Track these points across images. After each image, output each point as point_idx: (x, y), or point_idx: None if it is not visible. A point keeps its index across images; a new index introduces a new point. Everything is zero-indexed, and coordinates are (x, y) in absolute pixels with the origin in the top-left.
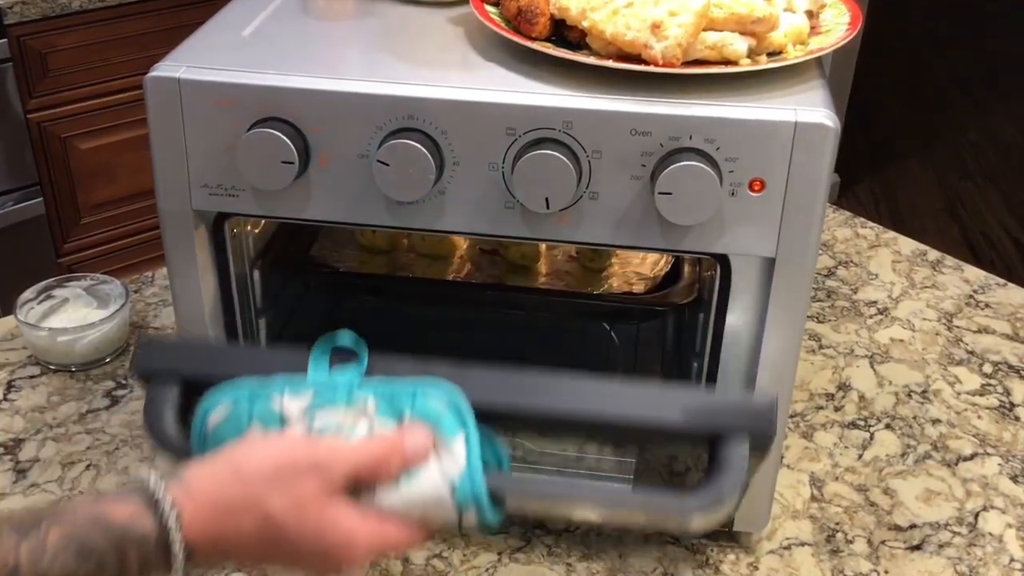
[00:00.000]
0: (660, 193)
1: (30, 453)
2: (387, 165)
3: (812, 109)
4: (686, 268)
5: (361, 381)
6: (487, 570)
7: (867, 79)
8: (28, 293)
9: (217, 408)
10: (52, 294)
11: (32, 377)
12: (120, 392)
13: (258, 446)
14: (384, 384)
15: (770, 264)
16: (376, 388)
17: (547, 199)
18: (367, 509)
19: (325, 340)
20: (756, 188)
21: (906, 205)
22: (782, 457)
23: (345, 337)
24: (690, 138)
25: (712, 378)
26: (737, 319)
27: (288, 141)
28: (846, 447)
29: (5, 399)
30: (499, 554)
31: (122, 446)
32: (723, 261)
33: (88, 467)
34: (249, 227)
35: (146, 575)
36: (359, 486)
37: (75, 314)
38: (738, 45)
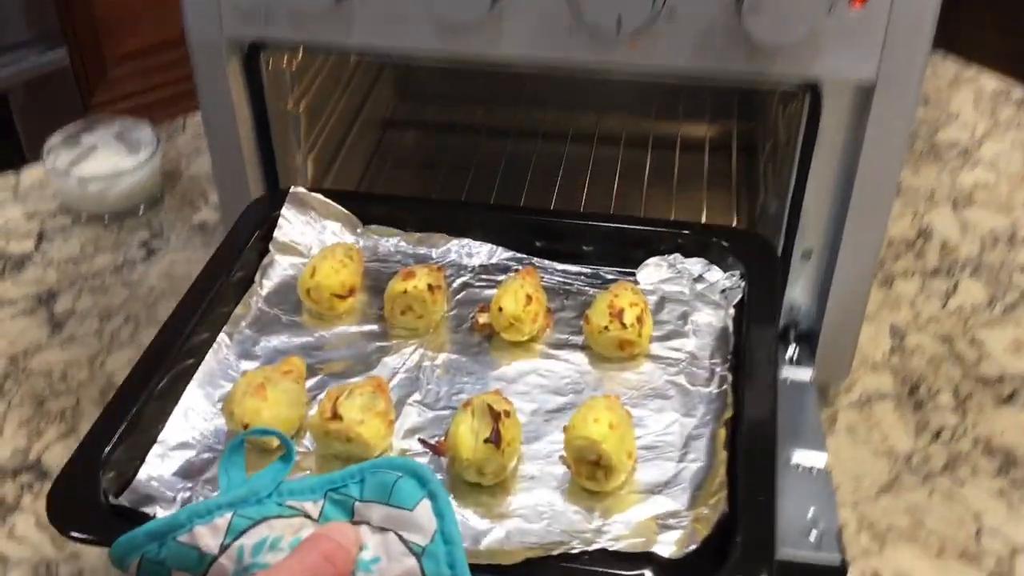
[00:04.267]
0: (748, 8)
1: (65, 305)
2: None
3: None
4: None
5: (286, 484)
6: None
7: None
8: (55, 138)
9: (129, 564)
10: (80, 140)
11: (64, 228)
12: (156, 243)
13: None
14: (320, 478)
15: (867, 95)
16: (310, 483)
17: (619, 17)
18: None
19: (232, 443)
20: (857, 2)
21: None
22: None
23: (259, 429)
24: None
25: (793, 230)
26: (825, 161)
27: None
28: (928, 296)
29: (37, 250)
30: None
31: (161, 298)
32: (813, 92)
33: (126, 320)
34: (285, 62)
35: None
36: None
37: (105, 162)
38: None
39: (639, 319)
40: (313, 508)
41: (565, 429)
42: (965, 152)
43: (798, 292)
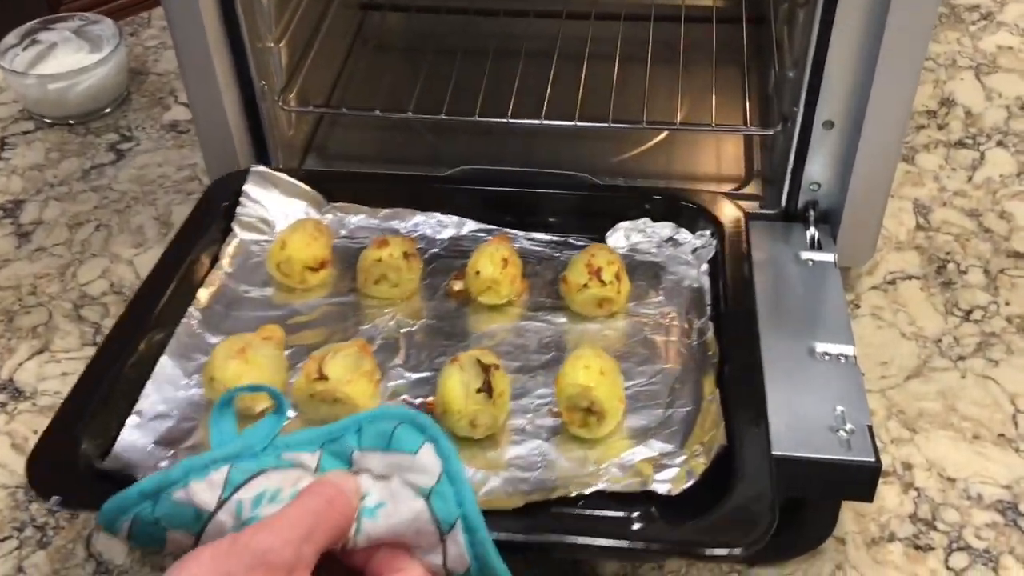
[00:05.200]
0: None
1: (32, 215)
2: None
3: None
4: None
5: (276, 440)
6: None
7: None
8: (10, 38)
9: (120, 525)
10: (38, 38)
11: (27, 133)
12: (125, 145)
13: None
14: (316, 430)
15: None
16: (307, 436)
17: None
18: None
19: (223, 397)
20: None
21: None
22: None
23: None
24: None
25: (813, 97)
26: (849, 19)
27: None
28: (953, 169)
29: None
30: None
31: (134, 204)
32: None
33: (98, 228)
34: None
35: None
36: (320, 552)
37: (66, 60)
38: None
39: (617, 276)
40: (310, 460)
41: (556, 379)
42: (987, 15)
43: (818, 168)
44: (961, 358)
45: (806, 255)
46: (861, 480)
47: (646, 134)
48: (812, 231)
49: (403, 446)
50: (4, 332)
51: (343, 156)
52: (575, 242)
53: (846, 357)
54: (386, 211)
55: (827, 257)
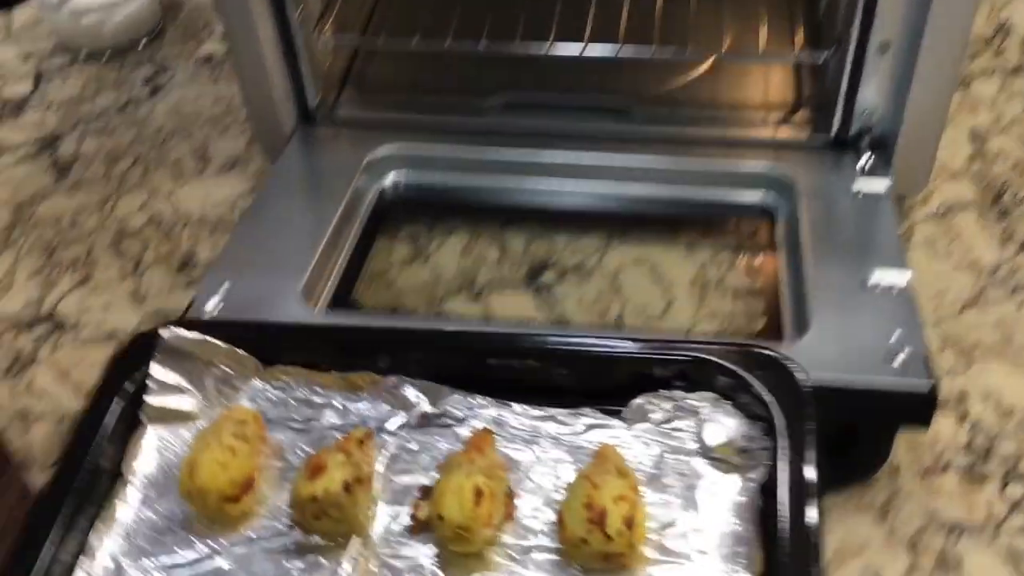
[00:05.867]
0: None
1: (70, 149)
2: None
3: None
4: None
5: None
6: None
7: None
8: None
9: None
10: None
11: (62, 67)
12: (161, 79)
13: None
14: None
15: None
16: None
17: None
18: None
19: None
20: None
21: None
22: None
23: None
24: None
25: (869, 16)
26: None
27: None
28: (1010, 97)
29: (35, 92)
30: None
31: (170, 137)
32: None
33: (135, 161)
34: None
35: None
36: None
37: None
38: None
39: (628, 522)
40: None
41: None
42: None
43: (872, 92)
44: (1018, 288)
45: (857, 185)
46: (917, 406)
47: (691, 64)
48: (865, 159)
49: None
50: (45, 265)
51: (380, 88)
52: (587, 421)
53: (899, 287)
54: (334, 376)
55: (880, 186)
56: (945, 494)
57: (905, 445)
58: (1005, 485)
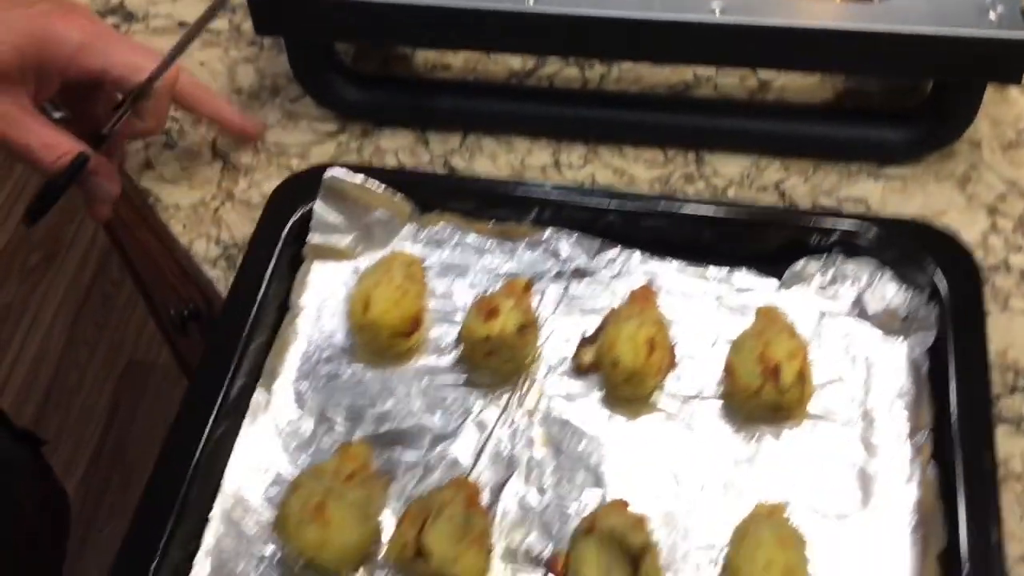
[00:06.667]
0: None
1: None
2: None
3: None
4: None
5: None
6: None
7: None
8: None
9: None
10: None
11: None
12: None
13: None
14: None
15: None
16: None
17: None
18: None
19: None
20: None
21: None
22: None
23: None
24: None
25: None
26: None
27: None
28: None
29: None
30: None
31: None
32: None
33: None
34: None
35: None
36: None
37: None
38: None
39: (801, 375)
40: None
41: (724, 567)
42: None
43: None
44: None
45: None
46: (1010, 59)
47: None
48: None
49: None
50: None
51: None
52: (739, 285)
53: None
54: (494, 226)
55: None
56: None
57: (987, 121)
58: None
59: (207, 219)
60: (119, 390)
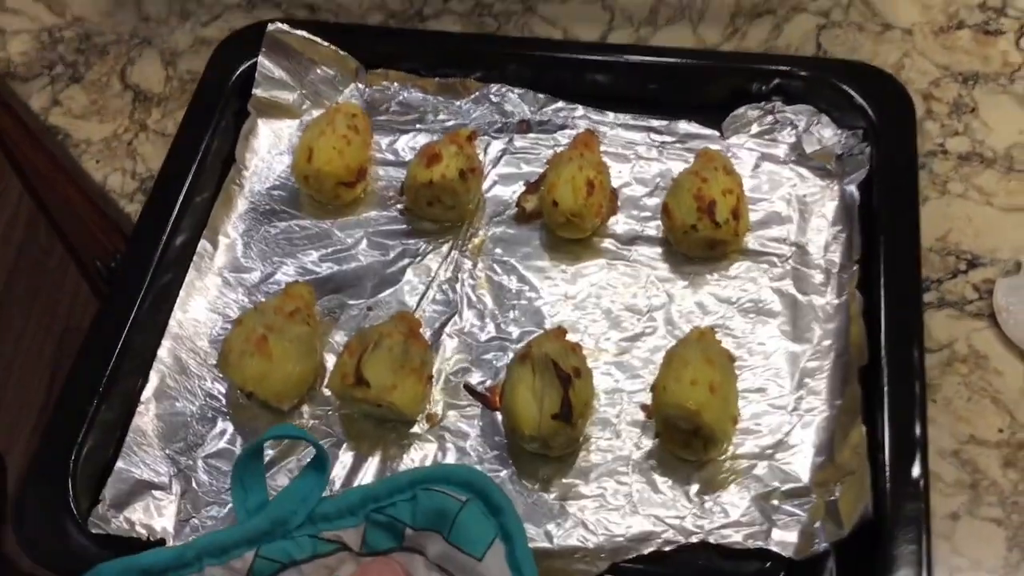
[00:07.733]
0: None
1: None
2: None
3: None
4: None
5: (318, 506)
6: None
7: None
8: None
9: None
10: None
11: None
12: None
13: None
14: (364, 493)
15: None
16: (348, 502)
17: None
18: None
19: (247, 449)
20: None
21: None
22: None
23: (284, 430)
24: None
25: None
26: None
27: None
28: None
29: None
30: None
31: None
32: None
33: None
34: None
35: None
36: None
37: None
38: None
39: (735, 213)
40: (353, 536)
41: (652, 388)
42: None
43: None
44: None
45: None
46: None
47: None
48: None
49: (467, 543)
50: None
51: None
52: (681, 131)
53: None
54: (439, 80)
55: None
56: (960, 50)
57: (918, 7)
58: (1020, 37)
59: (121, 152)
60: (58, 357)
